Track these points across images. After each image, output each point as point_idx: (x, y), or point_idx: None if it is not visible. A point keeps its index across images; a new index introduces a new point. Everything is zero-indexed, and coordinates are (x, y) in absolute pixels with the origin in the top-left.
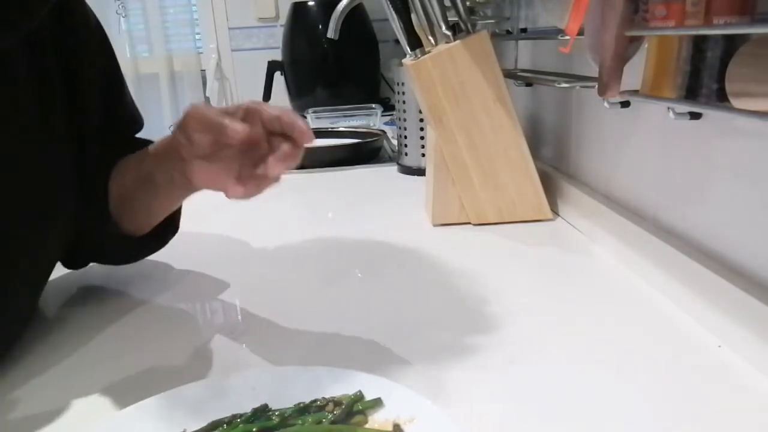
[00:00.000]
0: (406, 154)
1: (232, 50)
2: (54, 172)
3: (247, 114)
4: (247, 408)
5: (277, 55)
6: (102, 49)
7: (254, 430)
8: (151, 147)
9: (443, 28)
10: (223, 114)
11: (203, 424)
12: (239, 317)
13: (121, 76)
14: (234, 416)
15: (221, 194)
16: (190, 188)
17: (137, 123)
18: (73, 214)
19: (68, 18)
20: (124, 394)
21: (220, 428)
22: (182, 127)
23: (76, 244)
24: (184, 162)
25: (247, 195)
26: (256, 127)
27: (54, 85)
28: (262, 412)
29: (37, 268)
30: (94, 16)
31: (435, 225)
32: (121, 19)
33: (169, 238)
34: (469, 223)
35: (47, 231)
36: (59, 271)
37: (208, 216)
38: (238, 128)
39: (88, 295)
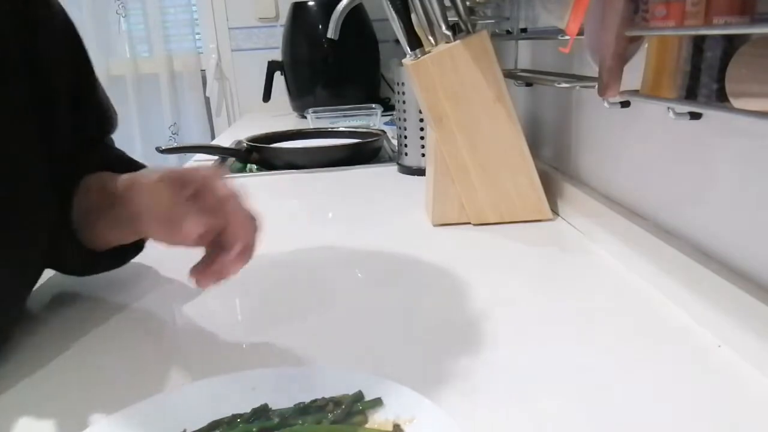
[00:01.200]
0: (406, 154)
1: (232, 50)
2: (31, 171)
3: (200, 194)
4: (247, 408)
5: (277, 55)
6: (67, 39)
7: (254, 430)
8: (119, 182)
9: (443, 28)
10: (174, 196)
11: (203, 424)
12: (239, 317)
13: (91, 69)
14: (234, 416)
15: None
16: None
17: (108, 122)
18: (54, 210)
19: (31, 8)
20: (124, 394)
21: (220, 428)
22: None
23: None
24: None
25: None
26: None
27: (18, 75)
28: (262, 412)
29: (26, 268)
30: (58, 2)
31: (435, 225)
32: (121, 19)
33: (131, 258)
34: (469, 223)
35: (29, 228)
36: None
37: None
38: (193, 228)
39: (87, 294)
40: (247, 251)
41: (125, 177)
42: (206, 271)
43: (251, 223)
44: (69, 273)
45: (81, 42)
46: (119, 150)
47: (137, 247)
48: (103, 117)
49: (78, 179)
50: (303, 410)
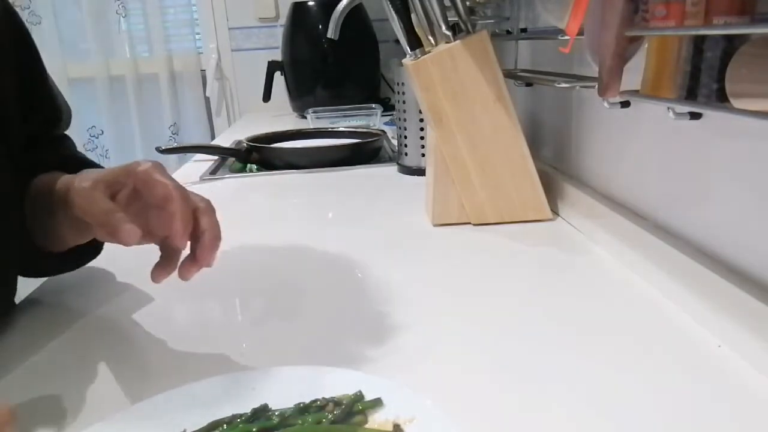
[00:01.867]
0: (406, 154)
1: (232, 50)
2: None
3: (141, 190)
4: (247, 408)
5: (277, 55)
6: (8, 31)
7: (254, 430)
8: (59, 184)
9: (443, 28)
10: (107, 202)
11: (203, 424)
12: (239, 317)
13: (37, 62)
14: (234, 416)
15: (221, 194)
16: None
17: (57, 117)
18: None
19: None
20: (124, 394)
21: (220, 428)
22: (74, 205)
23: None
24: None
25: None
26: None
27: None
28: (262, 412)
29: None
30: None
31: (435, 225)
32: (121, 19)
33: (88, 260)
34: (469, 223)
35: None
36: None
37: None
38: (125, 235)
39: (87, 295)
40: (209, 240)
41: (65, 179)
42: (166, 270)
43: (205, 212)
44: (26, 275)
45: (24, 32)
46: (73, 149)
47: (96, 248)
48: (52, 113)
49: (30, 177)
50: (303, 410)
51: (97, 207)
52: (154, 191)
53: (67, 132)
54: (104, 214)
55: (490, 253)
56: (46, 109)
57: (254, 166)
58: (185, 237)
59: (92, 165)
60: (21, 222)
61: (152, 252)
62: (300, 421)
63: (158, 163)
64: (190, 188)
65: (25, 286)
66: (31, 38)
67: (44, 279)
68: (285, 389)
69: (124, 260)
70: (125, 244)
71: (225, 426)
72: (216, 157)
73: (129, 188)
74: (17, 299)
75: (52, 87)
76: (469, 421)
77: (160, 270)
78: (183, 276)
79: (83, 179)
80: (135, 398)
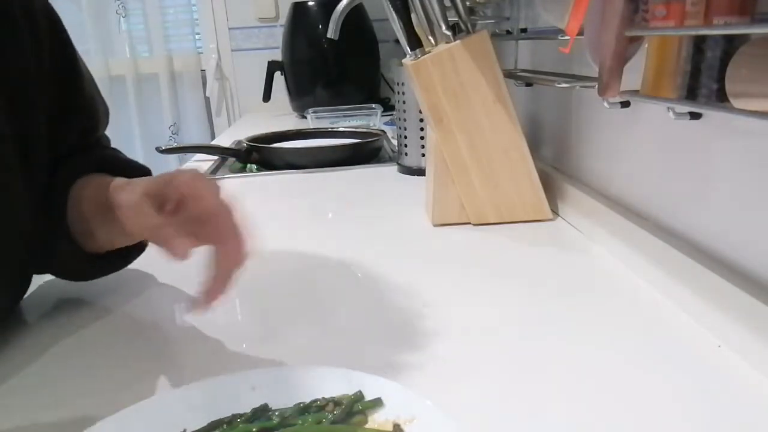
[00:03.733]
0: (406, 154)
1: (232, 50)
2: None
3: (186, 203)
4: (247, 408)
5: (277, 55)
6: (49, 34)
7: (254, 430)
8: (109, 192)
9: (443, 28)
10: (155, 217)
11: (203, 424)
12: (239, 317)
13: (76, 67)
14: (234, 416)
15: None
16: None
17: (96, 122)
18: (27, 217)
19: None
20: (124, 394)
21: (220, 428)
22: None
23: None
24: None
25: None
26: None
27: None
28: (262, 412)
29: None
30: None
31: (435, 225)
32: (121, 19)
33: (134, 258)
34: (469, 223)
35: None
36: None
37: None
38: (177, 249)
39: (86, 297)
40: (237, 263)
41: (113, 188)
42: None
43: (239, 239)
44: (72, 279)
45: (64, 40)
46: (113, 149)
47: (140, 247)
48: (91, 117)
49: (70, 182)
50: (303, 410)
51: (146, 222)
52: (198, 205)
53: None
54: (154, 229)
55: (490, 253)
56: (83, 119)
57: (254, 166)
58: (242, 254)
59: (135, 166)
60: (57, 226)
61: (152, 252)
62: (300, 421)
63: (197, 172)
64: None
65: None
66: (70, 45)
67: (44, 279)
68: (285, 389)
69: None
70: (178, 259)
71: (225, 426)
72: (216, 157)
73: (173, 203)
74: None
75: (91, 92)
76: (469, 421)
77: (207, 301)
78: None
79: (129, 192)
80: (135, 398)
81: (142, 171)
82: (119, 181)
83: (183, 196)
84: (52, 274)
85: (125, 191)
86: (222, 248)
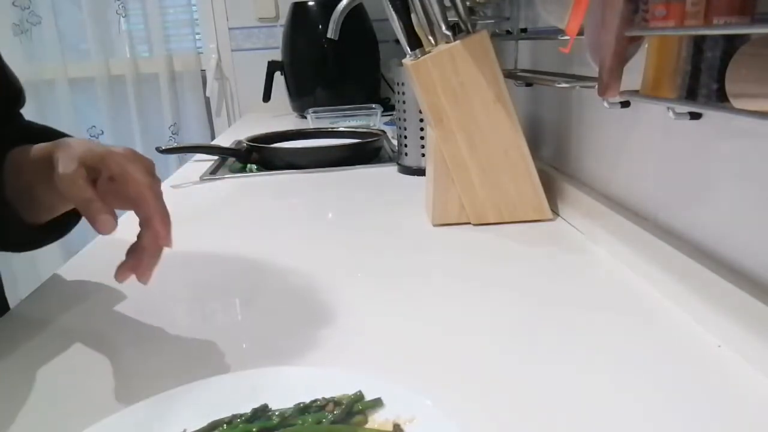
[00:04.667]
0: (406, 154)
1: (232, 50)
2: None
3: (116, 181)
4: (247, 408)
5: (277, 55)
6: None
7: (254, 430)
8: (40, 151)
9: (443, 28)
10: (87, 190)
11: (203, 424)
12: (239, 317)
13: None
14: (234, 416)
15: (221, 194)
16: None
17: (17, 97)
18: None
19: None
20: (124, 393)
21: (220, 428)
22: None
23: None
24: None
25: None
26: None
27: None
28: (262, 412)
29: None
30: None
31: (435, 225)
32: (121, 19)
33: (72, 227)
34: (469, 223)
35: None
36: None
37: (206, 215)
38: (101, 225)
39: (84, 295)
40: (159, 246)
41: (42, 149)
42: (130, 269)
43: (162, 224)
44: (12, 250)
45: None
46: (32, 122)
47: (78, 216)
48: (9, 93)
49: (1, 155)
50: (303, 410)
51: (78, 194)
52: (127, 187)
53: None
54: (84, 202)
55: (490, 253)
56: (3, 89)
57: (254, 166)
58: (168, 235)
59: (59, 134)
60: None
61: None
62: (300, 421)
63: (131, 150)
64: (190, 188)
65: (26, 287)
66: None
67: (43, 279)
68: (285, 389)
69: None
70: (100, 233)
71: (225, 426)
72: (216, 157)
73: (104, 177)
74: (18, 299)
75: (5, 67)
76: (469, 421)
77: (125, 270)
78: (143, 278)
79: (67, 158)
80: (135, 398)
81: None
82: (56, 142)
83: (113, 174)
84: None
85: (63, 154)
86: (146, 231)
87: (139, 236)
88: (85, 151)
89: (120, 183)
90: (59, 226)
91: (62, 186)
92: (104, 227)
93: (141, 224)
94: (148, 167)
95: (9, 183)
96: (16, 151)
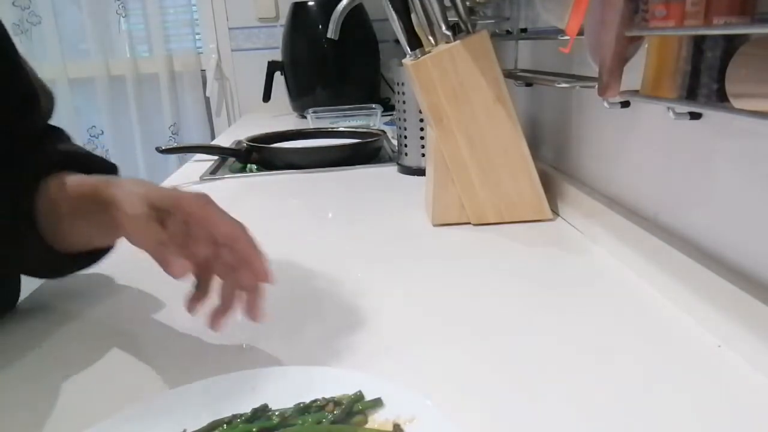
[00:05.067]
0: (406, 154)
1: (232, 50)
2: None
3: (191, 224)
4: (247, 408)
5: (277, 55)
6: None
7: (254, 430)
8: (98, 187)
9: (443, 28)
10: (162, 233)
11: (203, 424)
12: (239, 317)
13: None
14: (234, 416)
15: (221, 194)
16: None
17: (32, 110)
18: None
19: None
20: (124, 394)
21: (220, 428)
22: (120, 224)
23: None
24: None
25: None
26: (198, 246)
27: None
28: (262, 412)
29: None
30: None
31: (435, 225)
32: (121, 19)
33: (103, 257)
34: (469, 223)
35: None
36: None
37: None
38: (177, 270)
39: (85, 295)
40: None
41: (102, 186)
42: (202, 301)
43: (261, 259)
44: (39, 276)
45: None
46: (73, 144)
47: (110, 247)
48: (27, 98)
49: (36, 182)
50: (303, 410)
51: (151, 237)
52: (218, 230)
53: (64, 130)
54: (157, 245)
55: (490, 253)
56: (14, 93)
57: (254, 166)
58: (269, 272)
59: (101, 162)
60: (25, 223)
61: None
62: (300, 421)
63: (204, 194)
64: (190, 188)
65: (26, 288)
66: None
67: (42, 280)
68: (285, 389)
69: (123, 261)
70: (174, 277)
71: (225, 426)
72: (216, 157)
73: (177, 219)
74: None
75: (19, 68)
76: (469, 421)
77: (196, 302)
78: (216, 327)
79: (131, 198)
80: (135, 398)
81: (110, 168)
82: (104, 179)
83: (191, 218)
84: (21, 273)
85: (126, 195)
86: (244, 271)
87: (223, 274)
88: (151, 192)
89: (199, 226)
90: (90, 256)
91: (131, 227)
92: (179, 271)
93: (227, 264)
94: (223, 210)
95: (42, 214)
96: (54, 183)
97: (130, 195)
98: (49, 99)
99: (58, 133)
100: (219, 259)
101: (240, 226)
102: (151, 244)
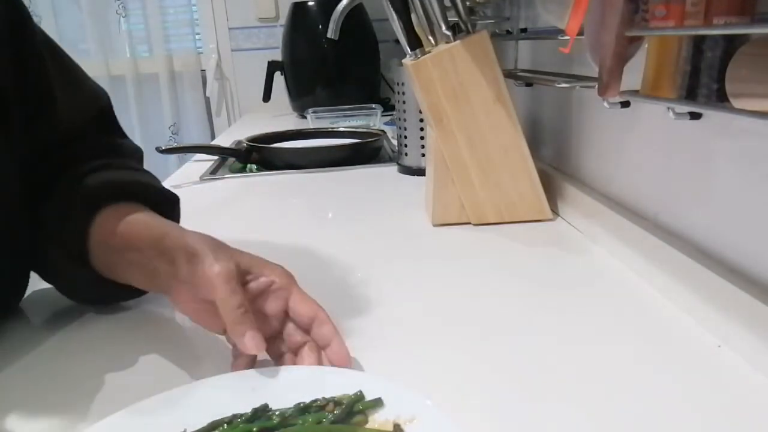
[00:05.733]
0: (406, 154)
1: (232, 50)
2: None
3: (269, 292)
4: (247, 408)
5: (277, 55)
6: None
7: (254, 430)
8: (156, 227)
9: (443, 28)
10: (244, 296)
11: (203, 424)
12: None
13: (38, 49)
14: (234, 416)
15: (221, 194)
16: None
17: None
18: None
19: None
20: (124, 393)
21: (220, 428)
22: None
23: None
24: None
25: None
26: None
27: None
28: (262, 412)
29: None
30: None
31: (435, 225)
32: (121, 19)
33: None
34: (469, 223)
35: None
36: None
37: (206, 215)
38: (252, 346)
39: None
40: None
41: (176, 233)
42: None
43: (340, 340)
44: (82, 302)
45: (23, 16)
46: (145, 172)
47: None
48: (94, 112)
49: (93, 210)
50: (303, 410)
51: (235, 298)
52: (298, 306)
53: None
54: (235, 308)
55: (490, 253)
56: (82, 107)
57: (254, 166)
58: (349, 356)
59: (165, 195)
60: (76, 250)
61: None
62: (300, 421)
63: (289, 273)
64: (190, 188)
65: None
66: (31, 23)
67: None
68: (285, 389)
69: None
70: (248, 352)
71: (225, 426)
72: (216, 157)
73: (259, 283)
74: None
75: (84, 81)
76: (469, 421)
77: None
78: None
79: (219, 254)
80: (135, 398)
81: (173, 202)
82: (176, 227)
83: (274, 286)
84: (65, 295)
85: (211, 249)
86: (325, 352)
87: (298, 352)
88: (235, 251)
89: (277, 296)
90: (137, 290)
91: (219, 281)
92: (254, 348)
93: (294, 342)
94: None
95: (94, 250)
96: (112, 216)
97: (215, 250)
98: (94, 101)
99: (122, 151)
100: (283, 336)
101: (322, 309)
102: (231, 306)
